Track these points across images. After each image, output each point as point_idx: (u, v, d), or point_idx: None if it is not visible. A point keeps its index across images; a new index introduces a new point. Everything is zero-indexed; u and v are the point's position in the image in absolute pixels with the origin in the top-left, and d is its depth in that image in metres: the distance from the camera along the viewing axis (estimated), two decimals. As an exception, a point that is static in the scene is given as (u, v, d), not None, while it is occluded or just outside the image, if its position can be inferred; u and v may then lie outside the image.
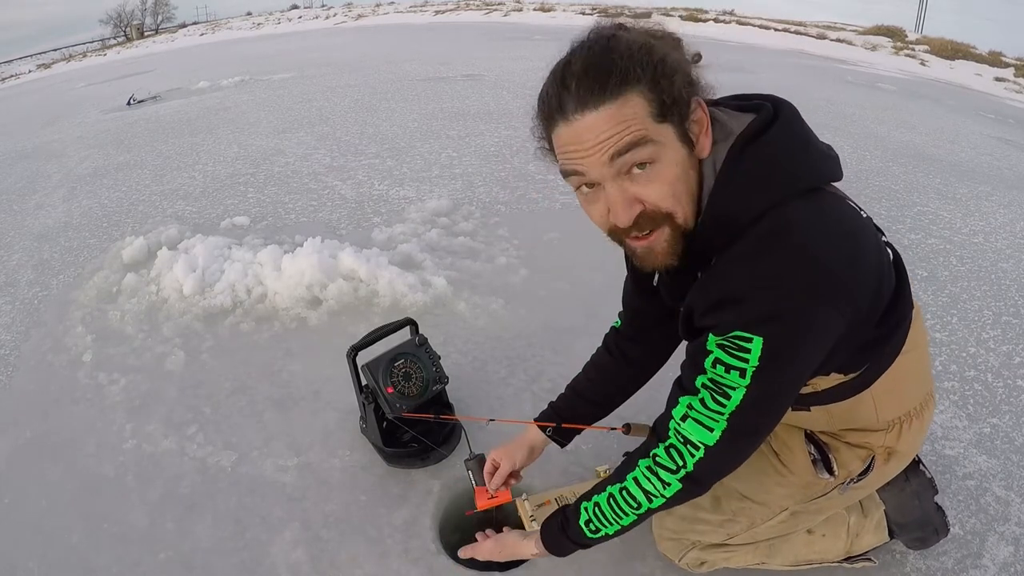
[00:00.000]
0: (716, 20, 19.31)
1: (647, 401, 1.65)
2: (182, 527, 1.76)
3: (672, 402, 1.12)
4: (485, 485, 1.66)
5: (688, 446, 1.08)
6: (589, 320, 2.60)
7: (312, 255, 2.79)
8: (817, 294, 0.95)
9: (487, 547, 1.46)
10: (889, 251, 1.13)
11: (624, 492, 1.17)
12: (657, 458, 1.12)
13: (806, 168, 1.01)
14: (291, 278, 2.77)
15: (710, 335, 1.03)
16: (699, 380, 1.06)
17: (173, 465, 1.97)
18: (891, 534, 1.58)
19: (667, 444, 1.11)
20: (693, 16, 19.71)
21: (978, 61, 14.06)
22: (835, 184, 1.08)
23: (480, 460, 1.71)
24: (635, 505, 1.16)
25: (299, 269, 2.77)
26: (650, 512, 1.17)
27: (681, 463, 1.10)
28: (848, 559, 1.56)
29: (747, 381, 1.00)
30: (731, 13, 21.14)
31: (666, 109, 0.95)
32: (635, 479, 1.15)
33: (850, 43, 15.61)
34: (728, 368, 1.01)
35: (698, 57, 1.02)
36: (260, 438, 2.05)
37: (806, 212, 0.98)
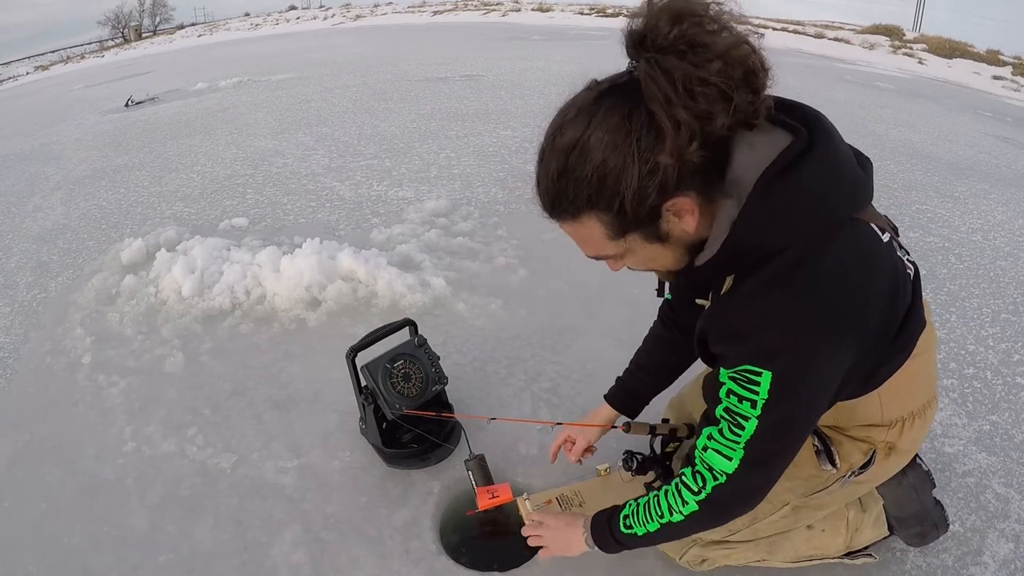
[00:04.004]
0: (714, 19, 19.25)
1: (656, 399, 1.65)
2: (182, 529, 1.76)
3: (698, 431, 1.15)
4: (485, 485, 1.66)
5: (711, 472, 1.13)
6: (588, 320, 2.61)
7: (311, 256, 2.79)
8: (825, 333, 0.96)
9: (552, 542, 1.45)
10: (910, 269, 1.12)
11: (656, 499, 1.22)
12: (683, 477, 1.18)
13: (834, 204, 0.96)
14: (290, 279, 2.76)
15: (721, 368, 1.06)
16: (718, 410, 1.09)
17: (173, 467, 1.97)
18: (891, 530, 1.59)
19: (693, 469, 1.16)
20: (691, 15, 19.66)
21: (976, 60, 14.06)
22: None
23: (480, 460, 1.71)
24: (659, 514, 1.21)
25: (298, 270, 2.77)
26: (671, 527, 1.20)
27: (702, 486, 1.14)
28: (848, 555, 1.57)
29: (758, 412, 1.02)
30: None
31: (625, 227, 0.96)
32: (666, 491, 1.21)
33: (848, 42, 15.61)
34: (740, 399, 1.03)
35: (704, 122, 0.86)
36: (260, 440, 2.05)
37: (823, 251, 0.95)
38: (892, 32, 17.05)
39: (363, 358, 1.84)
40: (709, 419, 1.12)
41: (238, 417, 2.16)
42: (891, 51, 14.79)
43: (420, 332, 1.96)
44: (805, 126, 0.96)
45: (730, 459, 1.09)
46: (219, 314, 2.70)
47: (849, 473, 1.29)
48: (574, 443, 1.68)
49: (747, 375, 1.00)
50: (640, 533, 1.25)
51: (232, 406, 2.21)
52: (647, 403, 1.65)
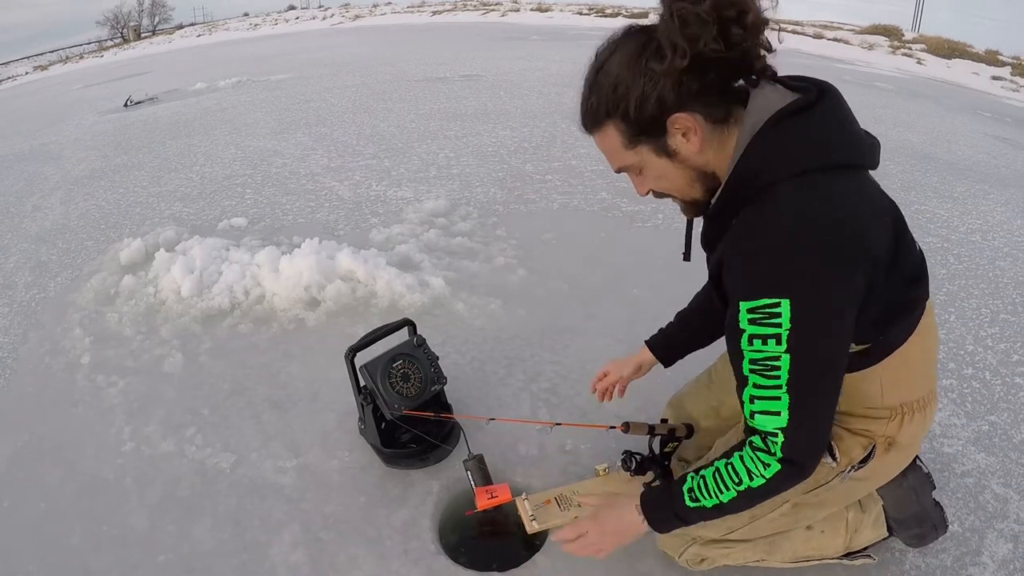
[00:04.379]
0: (713, 20, 19.27)
1: (655, 399, 1.65)
2: (181, 529, 1.76)
3: (740, 403, 1.15)
4: (484, 486, 1.66)
5: (769, 438, 1.12)
6: (587, 320, 2.61)
7: (310, 256, 2.79)
8: (831, 254, 1.01)
9: (591, 542, 1.37)
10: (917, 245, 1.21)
11: (729, 467, 1.19)
12: (752, 443, 1.16)
13: (838, 146, 1.07)
14: (289, 279, 2.76)
15: (740, 306, 1.06)
16: (745, 368, 1.10)
17: (172, 467, 1.97)
18: (890, 531, 1.59)
19: (760, 435, 1.15)
20: (690, 15, 19.68)
21: (975, 60, 14.07)
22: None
23: (479, 460, 1.71)
24: (736, 480, 1.18)
25: (297, 270, 2.77)
26: (749, 492, 1.17)
27: (771, 452, 1.13)
28: (847, 555, 1.57)
29: (785, 346, 1.04)
30: (728, 12, 21.11)
31: (638, 135, 1.11)
32: (740, 456, 1.18)
33: (847, 42, 15.63)
34: (764, 339, 1.05)
35: (695, 54, 1.01)
36: (259, 440, 2.05)
37: (824, 183, 1.04)
38: (891, 32, 17.07)
39: (362, 358, 1.84)
40: (741, 380, 1.13)
41: (237, 417, 2.16)
42: (890, 51, 14.81)
43: (419, 332, 1.96)
44: (818, 90, 1.10)
45: (778, 412, 1.09)
46: (218, 314, 2.70)
47: (849, 468, 1.30)
48: (607, 375, 1.74)
49: (766, 310, 1.03)
50: (709, 505, 1.21)
51: (231, 406, 2.21)
52: (683, 355, 1.69)
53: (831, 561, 1.56)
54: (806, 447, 1.13)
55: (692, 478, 1.24)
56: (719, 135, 1.10)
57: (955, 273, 3.15)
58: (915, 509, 1.55)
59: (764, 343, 1.05)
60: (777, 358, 1.05)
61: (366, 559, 1.64)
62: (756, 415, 1.11)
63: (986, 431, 2.09)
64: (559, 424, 1.77)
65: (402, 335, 1.94)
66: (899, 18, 20.39)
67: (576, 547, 1.38)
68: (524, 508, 1.63)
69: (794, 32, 16.72)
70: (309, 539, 1.70)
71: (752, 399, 1.11)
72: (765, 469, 1.14)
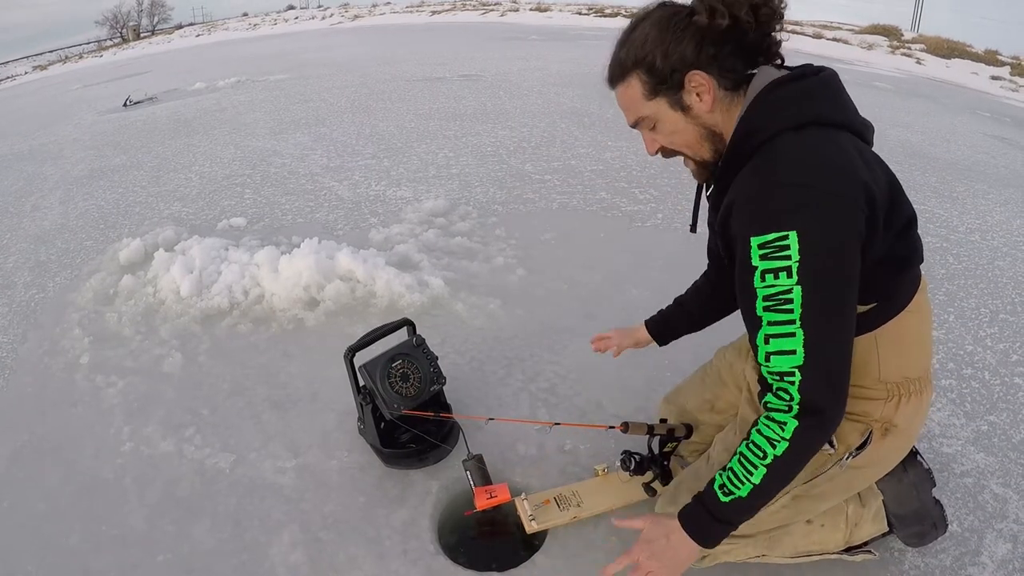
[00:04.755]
0: (712, 19, 19.27)
1: (654, 398, 1.65)
2: (181, 529, 1.76)
3: (754, 351, 1.16)
4: (483, 485, 1.66)
5: (785, 379, 1.12)
6: (587, 320, 2.61)
7: (309, 256, 2.79)
8: (837, 185, 1.07)
9: (662, 558, 1.26)
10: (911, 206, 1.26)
11: (750, 445, 1.18)
12: (768, 404, 1.16)
13: (832, 108, 1.18)
14: (288, 279, 2.76)
15: (751, 242, 1.10)
16: (758, 307, 1.12)
17: (171, 467, 1.97)
18: (890, 527, 1.59)
19: (772, 390, 1.15)
20: (689, 15, 19.67)
21: (974, 60, 14.07)
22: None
23: (478, 460, 1.71)
24: (761, 455, 1.16)
25: (296, 270, 2.77)
26: (777, 462, 1.14)
27: (788, 398, 1.12)
28: (848, 550, 1.57)
29: (796, 278, 1.07)
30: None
31: (657, 87, 1.22)
32: (757, 430, 1.18)
33: (846, 42, 15.63)
34: (776, 273, 1.08)
35: (711, 30, 1.16)
36: (258, 440, 2.05)
37: (820, 132, 1.13)
38: (890, 32, 17.07)
39: (361, 358, 1.84)
40: (755, 324, 1.13)
41: (236, 417, 2.16)
42: (889, 51, 14.81)
43: (418, 332, 1.97)
44: (816, 68, 1.22)
45: (793, 351, 1.09)
46: (217, 314, 2.70)
47: (847, 455, 1.30)
48: (608, 337, 1.85)
49: (775, 244, 1.07)
50: (745, 493, 1.18)
51: (230, 406, 2.21)
52: (677, 337, 1.78)
53: (832, 556, 1.56)
54: (825, 388, 1.12)
55: (720, 475, 1.22)
56: (728, 101, 1.21)
57: (954, 273, 3.15)
58: (915, 505, 1.55)
59: (776, 276, 1.08)
60: (789, 291, 1.07)
61: (365, 559, 1.64)
62: (772, 356, 1.12)
63: (985, 431, 2.09)
64: (558, 424, 1.77)
65: (401, 335, 1.94)
66: (898, 18, 20.39)
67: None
68: (523, 508, 1.63)
69: (793, 32, 16.73)
70: (308, 539, 1.70)
71: (767, 338, 1.12)
72: (783, 430, 1.13)
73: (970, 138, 6.19)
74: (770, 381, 1.15)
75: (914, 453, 1.55)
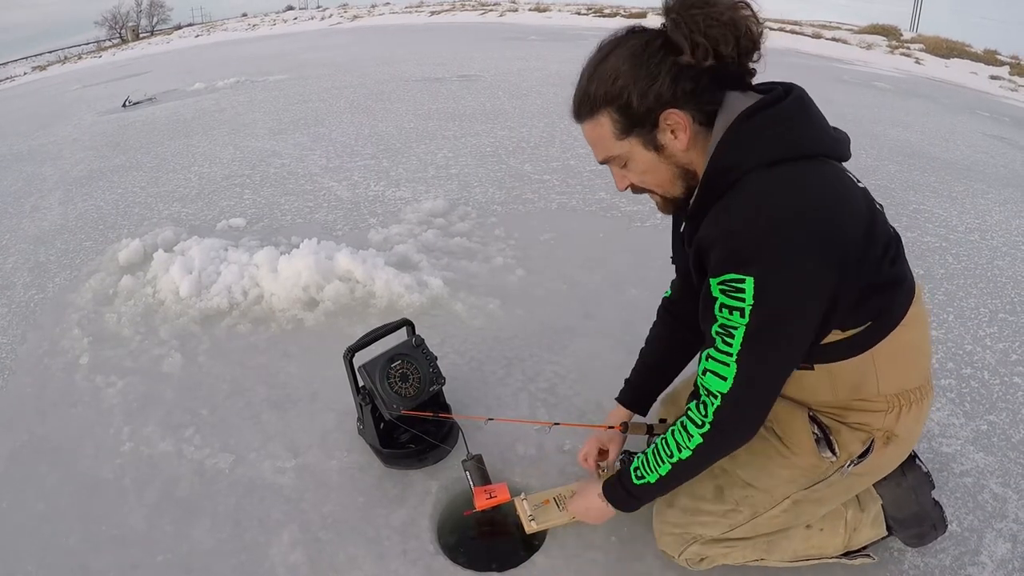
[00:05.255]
0: (711, 19, 19.27)
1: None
2: (180, 529, 1.75)
3: (699, 360, 1.22)
4: (482, 486, 1.66)
5: (709, 397, 1.19)
6: (586, 320, 2.61)
7: (308, 256, 2.79)
8: (797, 238, 1.06)
9: (578, 512, 1.53)
10: (891, 229, 1.23)
11: (664, 441, 1.29)
12: (688, 412, 1.25)
13: (804, 138, 1.14)
14: (287, 279, 2.76)
15: (711, 281, 1.13)
16: (713, 329, 1.16)
17: (171, 467, 1.97)
18: (889, 530, 1.59)
19: (697, 401, 1.23)
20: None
21: (973, 59, 14.08)
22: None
23: (478, 460, 1.71)
24: (668, 454, 1.28)
25: (295, 270, 2.77)
26: (681, 465, 1.26)
27: (704, 414, 1.21)
28: (847, 554, 1.57)
29: (746, 320, 1.10)
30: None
31: (630, 127, 1.17)
32: (672, 430, 1.28)
33: (845, 42, 15.63)
34: (731, 310, 1.11)
35: (686, 61, 1.11)
36: (258, 440, 2.05)
37: (791, 169, 1.11)
38: (889, 32, 17.08)
39: (361, 358, 1.84)
40: (706, 339, 1.19)
41: (236, 417, 2.16)
42: (888, 51, 14.82)
43: (418, 332, 1.96)
44: (784, 90, 1.18)
45: (724, 378, 1.16)
46: (217, 314, 2.70)
47: (848, 463, 1.30)
48: (606, 450, 1.67)
49: (733, 284, 1.09)
50: (652, 480, 1.31)
51: (230, 406, 2.21)
52: (655, 399, 1.70)
53: (830, 560, 1.56)
54: (737, 420, 1.21)
55: (639, 457, 1.35)
56: (702, 136, 1.18)
57: (953, 272, 3.16)
58: (914, 508, 1.55)
59: (730, 313, 1.12)
60: (735, 328, 1.12)
61: (365, 559, 1.64)
62: (708, 373, 1.18)
63: (985, 431, 2.09)
64: (557, 424, 1.77)
65: (400, 335, 1.94)
66: (897, 18, 20.40)
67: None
68: (523, 508, 1.63)
69: (793, 32, 16.73)
70: (308, 539, 1.70)
71: (708, 357, 1.18)
72: (689, 440, 1.23)
73: (969, 138, 6.19)
74: (700, 392, 1.22)
75: (912, 456, 1.54)
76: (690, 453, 1.24)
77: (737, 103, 1.15)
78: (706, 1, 1.09)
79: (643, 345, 1.70)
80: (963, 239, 3.56)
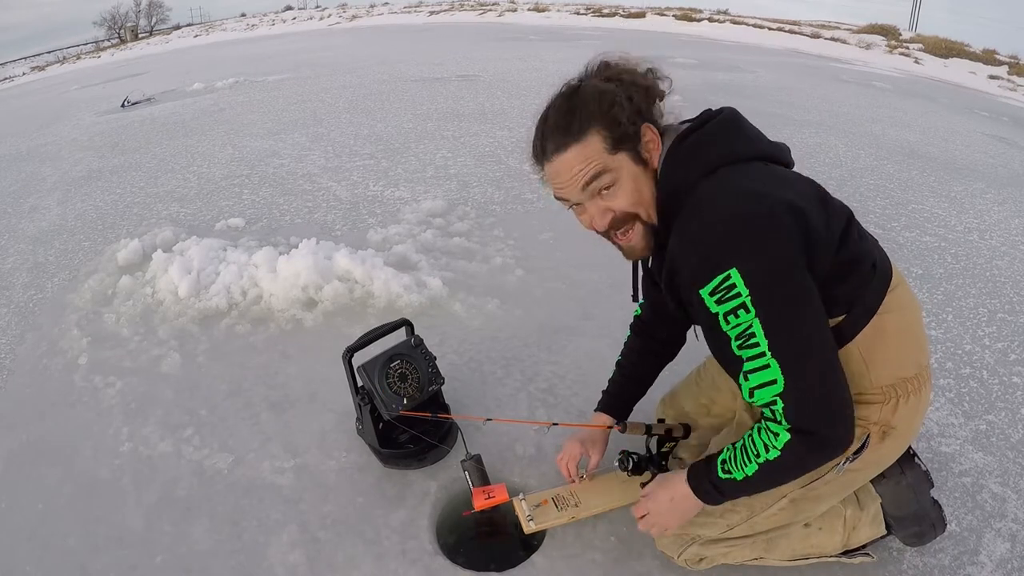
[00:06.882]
0: (710, 20, 19.35)
1: (650, 397, 1.65)
2: (179, 530, 1.75)
3: (741, 391, 1.19)
4: (481, 486, 1.66)
5: (771, 408, 1.14)
6: (585, 320, 2.61)
7: (307, 256, 2.79)
8: (759, 207, 1.10)
9: (655, 521, 1.44)
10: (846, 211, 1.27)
11: (751, 439, 1.22)
12: (765, 415, 1.19)
13: (738, 145, 1.22)
14: (286, 280, 2.76)
15: (701, 294, 1.14)
16: (733, 348, 1.14)
17: (170, 468, 1.96)
18: (888, 529, 1.59)
19: (763, 416, 1.19)
20: (687, 15, 19.76)
21: (972, 59, 14.11)
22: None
23: (476, 461, 1.71)
24: (755, 453, 1.20)
25: (294, 271, 2.77)
26: (768, 466, 1.19)
27: (778, 422, 1.15)
28: (846, 553, 1.57)
29: (753, 311, 1.09)
30: (725, 12, 21.21)
31: (619, 142, 1.20)
32: (758, 428, 1.21)
33: (844, 42, 15.66)
34: (735, 312, 1.11)
35: (655, 89, 1.25)
36: (257, 440, 2.05)
37: (735, 169, 1.18)
38: (888, 32, 17.11)
39: (360, 358, 1.84)
40: (735, 365, 1.17)
41: (235, 417, 2.15)
42: (887, 51, 14.84)
43: (416, 332, 1.96)
44: (714, 111, 1.26)
45: (773, 380, 1.12)
46: (215, 315, 2.70)
47: (844, 459, 1.30)
48: (590, 456, 1.70)
49: (721, 285, 1.10)
50: (739, 478, 1.24)
51: (229, 406, 2.20)
52: (632, 408, 1.73)
53: (829, 559, 1.56)
54: (812, 410, 1.13)
55: (727, 450, 1.28)
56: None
57: (953, 272, 3.16)
58: (913, 507, 1.55)
59: (736, 315, 1.10)
60: (750, 325, 1.10)
61: (364, 559, 1.64)
62: (755, 391, 1.14)
63: (984, 430, 2.09)
64: (556, 424, 1.77)
65: (400, 335, 1.93)
66: (896, 18, 20.46)
67: (644, 524, 1.46)
68: (521, 508, 1.63)
69: (791, 32, 16.75)
70: (307, 539, 1.70)
71: (746, 375, 1.14)
72: (775, 439, 1.16)
73: (968, 137, 6.20)
74: (764, 411, 1.18)
75: (912, 455, 1.54)
76: (777, 453, 1.17)
77: (671, 131, 1.25)
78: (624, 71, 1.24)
79: (619, 357, 1.74)
80: (962, 239, 3.57)
